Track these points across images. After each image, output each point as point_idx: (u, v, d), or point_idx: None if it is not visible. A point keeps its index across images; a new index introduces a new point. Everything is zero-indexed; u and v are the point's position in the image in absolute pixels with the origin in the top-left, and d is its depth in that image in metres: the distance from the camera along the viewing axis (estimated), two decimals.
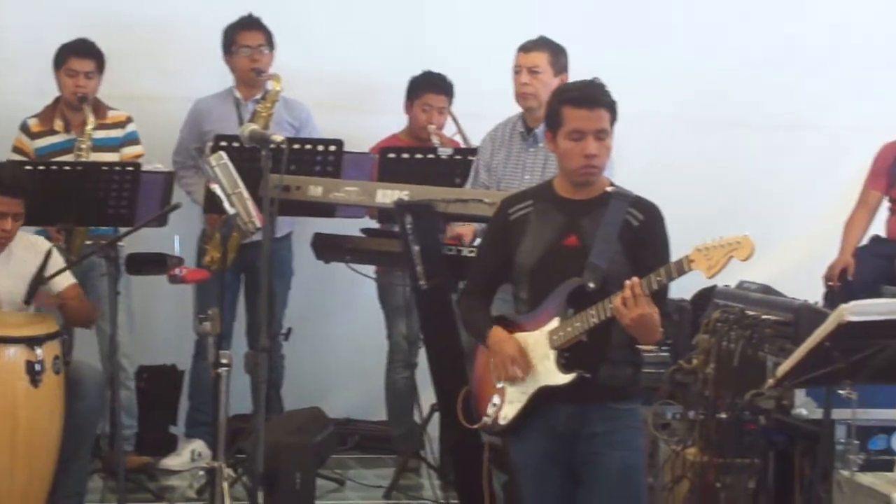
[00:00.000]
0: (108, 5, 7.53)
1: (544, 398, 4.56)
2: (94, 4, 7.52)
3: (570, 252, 4.55)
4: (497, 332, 4.64)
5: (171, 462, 7.23)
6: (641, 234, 4.57)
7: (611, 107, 4.55)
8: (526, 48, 6.37)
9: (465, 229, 6.19)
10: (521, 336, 4.61)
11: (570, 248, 4.56)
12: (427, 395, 6.69)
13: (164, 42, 7.65)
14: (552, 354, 4.53)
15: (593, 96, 4.54)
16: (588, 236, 4.55)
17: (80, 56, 6.97)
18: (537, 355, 4.57)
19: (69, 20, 7.40)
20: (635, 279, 4.37)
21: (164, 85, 7.58)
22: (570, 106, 4.53)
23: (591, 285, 4.48)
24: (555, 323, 4.54)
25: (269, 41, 7.27)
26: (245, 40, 7.23)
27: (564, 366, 4.52)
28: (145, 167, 6.76)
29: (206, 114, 7.26)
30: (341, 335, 7.80)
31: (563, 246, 4.57)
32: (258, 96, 7.24)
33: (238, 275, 7.16)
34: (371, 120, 7.69)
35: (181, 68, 7.64)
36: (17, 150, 7.04)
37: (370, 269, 7.08)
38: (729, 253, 4.34)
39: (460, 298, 4.99)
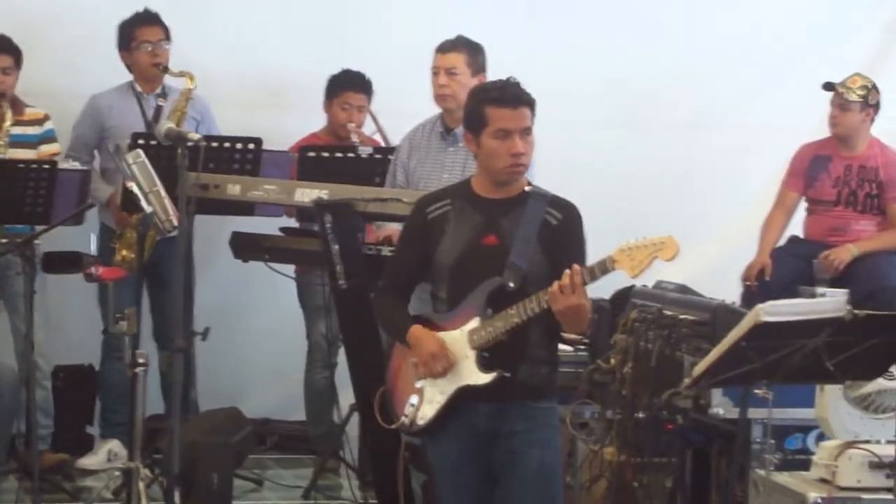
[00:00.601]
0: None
1: (464, 398, 4.56)
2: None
3: (490, 251, 4.56)
4: (417, 330, 4.63)
5: (87, 462, 7.16)
6: (560, 234, 4.58)
7: (532, 105, 4.57)
8: (443, 49, 6.34)
9: (394, 230, 6.16)
10: (440, 335, 4.61)
11: (490, 247, 4.57)
12: (346, 395, 6.67)
13: (63, 36, 7.57)
14: (472, 354, 4.53)
15: (517, 95, 4.56)
16: (507, 235, 4.55)
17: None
18: (457, 355, 4.57)
19: None
20: (576, 267, 4.37)
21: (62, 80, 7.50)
22: (494, 105, 4.54)
23: (511, 285, 4.49)
24: (475, 322, 4.53)
25: (168, 36, 7.21)
26: (145, 35, 7.17)
27: (485, 365, 4.52)
28: (61, 165, 6.68)
29: (108, 109, 7.19)
30: (260, 334, 7.77)
31: (482, 245, 4.57)
32: (158, 90, 7.20)
33: (140, 273, 7.08)
34: (290, 118, 7.67)
35: (74, 63, 7.55)
36: None
37: (290, 269, 7.04)
38: (653, 253, 4.36)
39: (377, 297, 4.97)
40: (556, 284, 4.38)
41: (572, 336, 4.88)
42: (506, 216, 4.58)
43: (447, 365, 4.56)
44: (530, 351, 4.55)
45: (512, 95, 4.55)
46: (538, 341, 4.55)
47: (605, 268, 4.40)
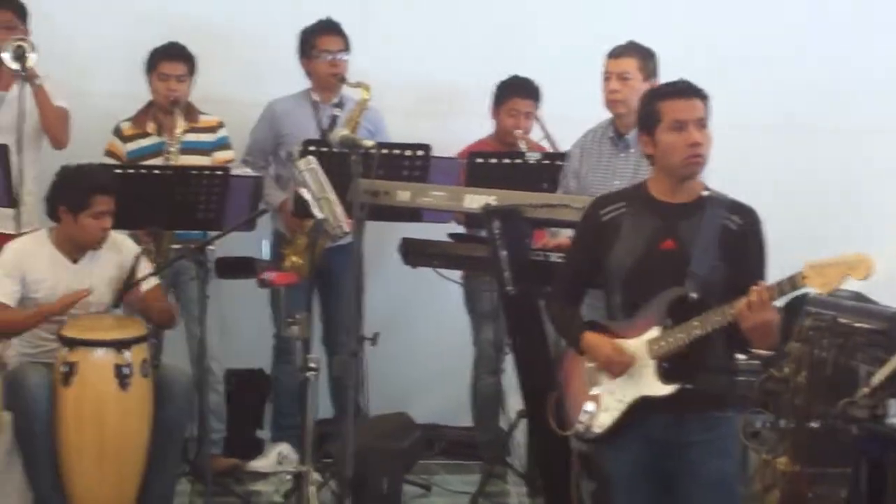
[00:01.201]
0: (189, 8, 7.61)
1: (642, 407, 4.52)
2: (178, 8, 7.59)
3: (667, 256, 4.52)
4: (590, 337, 4.61)
5: (258, 464, 7.24)
6: (740, 240, 4.53)
7: (705, 98, 4.56)
8: (615, 54, 6.29)
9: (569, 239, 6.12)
10: (617, 342, 4.58)
11: (667, 252, 4.53)
12: (514, 401, 6.66)
13: (239, 45, 7.71)
14: (652, 364, 4.50)
15: (688, 86, 4.56)
16: (686, 240, 4.51)
17: (171, 59, 7.03)
18: (635, 364, 4.53)
19: (153, 23, 7.47)
20: (763, 284, 4.34)
21: (240, 88, 7.62)
22: (667, 99, 4.54)
23: (694, 295, 4.44)
24: (654, 332, 4.50)
25: (347, 46, 7.26)
26: (325, 45, 7.23)
27: (665, 376, 4.48)
28: (234, 171, 6.77)
29: (284, 116, 7.26)
30: (428, 340, 7.80)
31: (659, 250, 4.54)
32: (335, 100, 7.26)
33: (312, 280, 7.15)
34: (457, 125, 7.66)
35: (251, 70, 7.67)
36: (109, 153, 7.08)
37: (457, 275, 7.05)
38: (845, 272, 4.28)
39: (548, 302, 4.96)
40: (744, 301, 4.32)
41: (761, 351, 4.82)
42: (684, 220, 4.54)
43: (625, 367, 4.52)
44: (710, 360, 4.50)
45: (684, 86, 4.56)
46: (718, 350, 4.50)
47: (794, 284, 4.33)
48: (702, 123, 4.53)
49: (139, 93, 7.17)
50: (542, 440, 5.89)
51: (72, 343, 5.89)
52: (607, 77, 6.25)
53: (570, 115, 6.91)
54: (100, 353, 5.88)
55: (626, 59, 6.24)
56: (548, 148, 7.29)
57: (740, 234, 4.54)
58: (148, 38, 7.21)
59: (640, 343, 4.53)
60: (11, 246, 6.25)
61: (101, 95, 7.47)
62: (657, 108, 4.55)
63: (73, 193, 6.09)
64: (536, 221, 5.96)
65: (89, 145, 7.03)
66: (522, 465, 6.95)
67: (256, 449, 7.41)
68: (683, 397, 4.48)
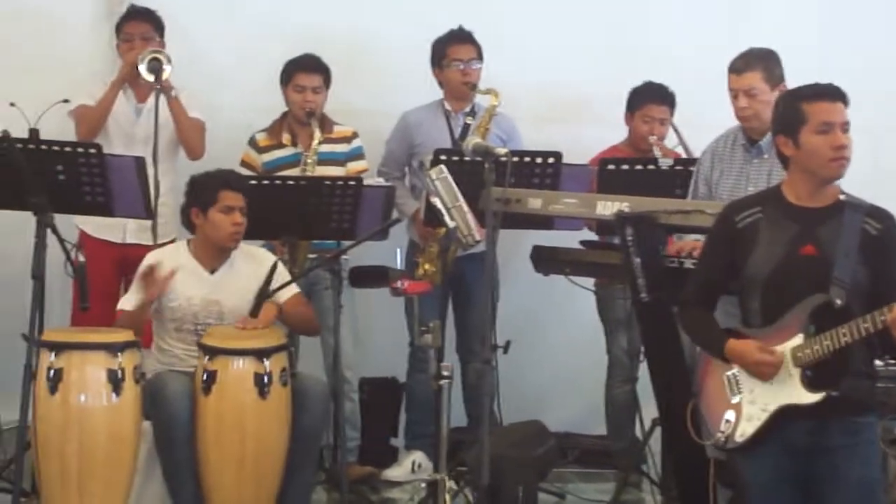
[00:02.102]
0: (322, 20, 7.68)
1: (784, 415, 4.48)
2: (311, 20, 7.66)
3: (808, 262, 4.47)
4: (735, 343, 4.58)
5: (392, 473, 7.27)
6: (881, 244, 4.48)
7: (847, 102, 4.54)
8: (737, 69, 6.10)
9: (696, 244, 6.06)
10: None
11: (808, 258, 4.48)
12: (649, 409, 6.61)
13: (372, 56, 7.78)
14: (796, 372, 4.45)
15: (835, 89, 4.55)
16: (826, 246, 4.46)
17: (307, 71, 7.10)
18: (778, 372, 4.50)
19: (286, 35, 7.57)
20: None
21: (373, 99, 7.70)
22: (812, 101, 4.52)
23: (839, 302, 4.39)
24: (797, 340, 4.46)
25: (480, 55, 7.28)
26: (457, 54, 7.26)
27: (810, 384, 4.43)
28: (367, 181, 6.82)
29: (417, 126, 7.30)
30: (560, 348, 7.79)
31: (799, 256, 4.49)
32: (467, 109, 7.27)
33: (445, 288, 7.18)
34: (587, 132, 7.64)
35: (385, 81, 7.74)
36: (245, 164, 7.17)
37: (589, 282, 7.03)
38: None
39: (682, 310, 4.91)
40: None
41: None
42: (823, 225, 4.49)
43: (776, 368, 4.48)
44: (853, 366, 4.44)
45: (830, 89, 4.54)
46: (860, 355, 4.45)
47: None
48: (846, 127, 4.52)
49: (273, 104, 7.26)
50: (677, 448, 5.85)
51: (212, 352, 5.97)
52: (734, 94, 6.14)
53: (705, 121, 6.83)
54: (240, 362, 5.95)
55: (749, 73, 6.07)
56: (682, 154, 7.24)
57: (880, 239, 4.49)
58: (282, 49, 7.30)
59: (783, 350, 4.48)
60: (151, 256, 6.35)
61: (236, 107, 7.58)
62: (802, 109, 4.51)
63: (201, 193, 6.23)
64: (670, 228, 5.92)
65: (224, 156, 7.10)
66: (657, 473, 6.89)
67: (391, 457, 7.45)
68: (826, 403, 4.43)
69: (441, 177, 5.56)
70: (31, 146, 6.27)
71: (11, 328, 6.16)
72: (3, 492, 6.49)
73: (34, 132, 6.71)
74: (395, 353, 7.49)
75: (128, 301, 6.28)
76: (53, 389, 5.74)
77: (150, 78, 6.89)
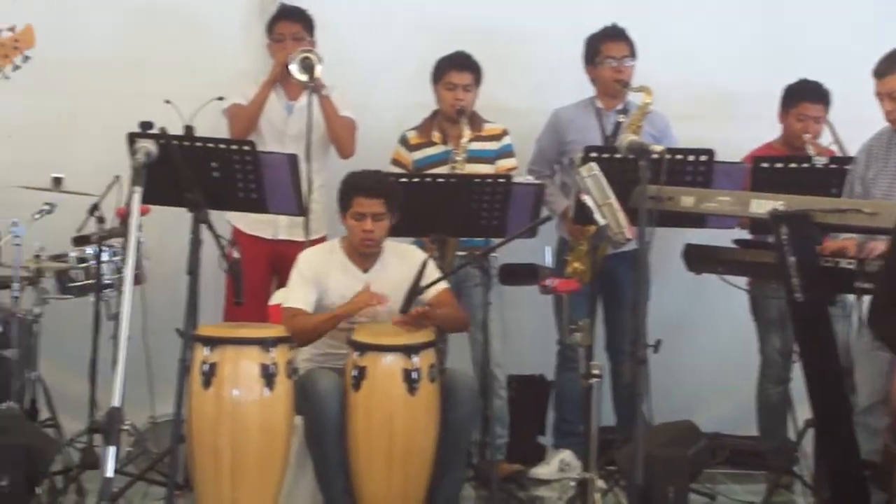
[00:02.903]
0: (472, 18, 7.68)
1: None
2: (461, 17, 7.67)
3: None
4: None
5: (540, 471, 7.26)
6: None
7: None
8: (879, 73, 6.02)
9: (848, 242, 5.98)
10: None
11: None
12: (802, 411, 6.52)
13: (526, 54, 7.77)
14: None
15: None
16: None
17: (458, 69, 7.12)
18: None
19: (436, 33, 7.60)
20: None
21: (524, 96, 7.71)
22: None
23: None
24: None
25: (633, 52, 7.23)
26: (610, 51, 7.22)
27: None
28: (516, 179, 6.81)
29: (568, 123, 7.27)
30: (711, 347, 7.73)
31: None
32: (619, 107, 7.23)
33: (594, 286, 7.12)
34: (739, 130, 7.55)
35: (536, 79, 7.74)
36: (395, 162, 7.22)
37: (742, 281, 6.94)
38: None
39: (877, 317, 4.77)
40: None
41: None
42: None
43: None
44: None
45: None
46: None
47: None
48: None
49: (423, 102, 7.29)
50: (831, 450, 5.76)
51: (362, 348, 6.00)
52: (880, 98, 6.03)
53: (861, 118, 6.71)
54: (389, 358, 5.98)
55: (890, 77, 5.99)
56: (836, 152, 7.12)
57: None
58: (431, 47, 7.33)
59: None
60: (306, 254, 6.42)
61: (386, 105, 7.63)
62: None
63: (341, 196, 6.28)
64: (826, 226, 5.82)
65: (375, 154, 7.16)
66: (810, 475, 6.78)
67: (538, 455, 7.43)
68: None
69: (592, 174, 5.55)
70: (186, 143, 6.35)
71: (166, 323, 6.25)
72: (157, 484, 6.62)
73: (189, 129, 6.82)
74: (543, 350, 7.48)
75: (284, 297, 6.33)
76: (207, 384, 5.81)
77: (302, 77, 6.96)
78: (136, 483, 6.60)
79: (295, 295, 6.28)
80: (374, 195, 6.21)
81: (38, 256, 6.86)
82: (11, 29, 5.51)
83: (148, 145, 5.10)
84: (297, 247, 6.74)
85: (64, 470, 6.76)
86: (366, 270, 6.32)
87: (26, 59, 5.54)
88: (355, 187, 6.24)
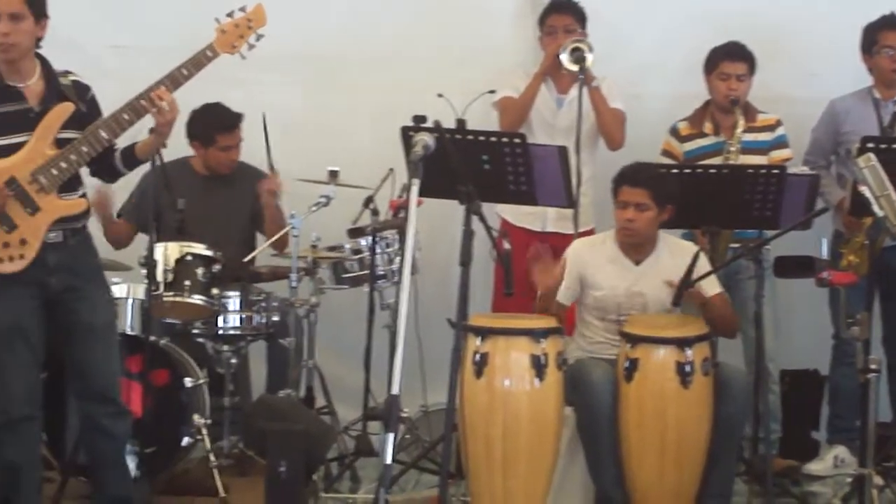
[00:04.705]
0: (744, 6, 7.58)
1: None
2: (733, 6, 7.58)
3: None
4: None
5: (814, 467, 7.14)
6: None
7: None
8: None
9: None
10: None
11: None
12: None
13: (801, 43, 7.64)
14: None
15: None
16: None
17: (732, 59, 7.03)
18: None
19: (708, 22, 7.53)
20: None
21: (798, 86, 7.58)
22: None
23: None
24: None
25: None
26: (888, 40, 7.03)
27: None
28: (791, 170, 6.70)
29: (845, 115, 7.11)
30: None
31: None
32: None
33: (871, 279, 6.95)
34: None
35: (810, 68, 7.60)
36: (665, 153, 7.18)
37: None
38: None
39: None
40: None
41: None
42: None
43: None
44: None
45: None
46: None
47: None
48: None
49: (693, 93, 7.23)
50: None
51: (634, 340, 5.99)
52: None
53: None
54: (662, 351, 5.95)
55: None
56: None
57: None
58: (702, 37, 7.27)
59: None
60: (574, 246, 6.44)
61: (656, 96, 7.60)
62: None
63: (613, 188, 6.29)
64: None
65: (644, 146, 7.14)
66: None
67: (811, 450, 7.31)
68: None
69: (869, 165, 5.44)
70: (458, 136, 6.42)
71: (437, 313, 6.35)
72: (428, 472, 6.73)
73: (461, 122, 6.91)
74: (816, 344, 7.35)
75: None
76: (479, 373, 5.87)
77: (573, 68, 6.98)
78: (408, 471, 6.71)
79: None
80: (636, 185, 6.20)
81: (314, 247, 7.02)
82: (242, 9, 5.63)
83: (427, 138, 5.16)
84: (566, 239, 6.76)
85: (339, 457, 6.93)
86: (638, 263, 6.30)
87: (259, 37, 5.65)
88: (621, 176, 6.25)
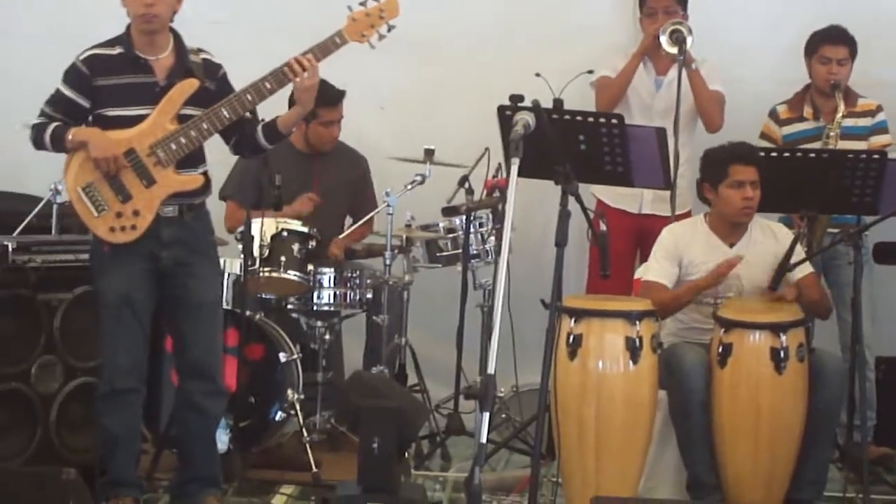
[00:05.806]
0: None
1: None
2: None
3: None
4: None
5: None
6: None
7: None
8: None
9: None
10: None
11: None
12: None
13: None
14: None
15: None
16: None
17: (833, 43, 6.97)
18: None
19: (808, 5, 7.47)
20: None
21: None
22: None
23: None
24: None
25: None
26: None
27: None
28: (891, 155, 6.61)
29: None
30: None
31: None
32: None
33: None
34: None
35: None
36: (764, 136, 7.13)
37: None
38: None
39: None
40: None
41: None
42: None
43: None
44: None
45: None
46: None
47: None
48: None
49: (792, 77, 7.17)
50: None
51: (728, 324, 5.94)
52: None
53: None
54: (756, 336, 5.89)
55: None
56: None
57: None
58: (803, 21, 7.22)
59: None
60: (670, 229, 6.40)
61: (757, 79, 7.54)
62: None
63: (712, 168, 6.20)
64: None
65: (743, 129, 7.06)
66: None
67: None
68: None
69: None
70: (555, 116, 6.40)
71: (530, 294, 6.34)
72: (519, 452, 6.74)
73: (558, 102, 6.88)
74: None
75: (644, 271, 6.34)
76: (573, 355, 5.85)
77: (672, 50, 6.93)
78: (499, 450, 6.72)
79: (655, 269, 6.26)
80: (751, 163, 6.14)
81: (408, 226, 7.04)
82: None
83: (527, 117, 5.13)
84: (662, 221, 6.72)
85: (430, 434, 6.95)
86: (732, 245, 6.25)
87: (390, 28, 5.63)
88: (732, 155, 6.16)
